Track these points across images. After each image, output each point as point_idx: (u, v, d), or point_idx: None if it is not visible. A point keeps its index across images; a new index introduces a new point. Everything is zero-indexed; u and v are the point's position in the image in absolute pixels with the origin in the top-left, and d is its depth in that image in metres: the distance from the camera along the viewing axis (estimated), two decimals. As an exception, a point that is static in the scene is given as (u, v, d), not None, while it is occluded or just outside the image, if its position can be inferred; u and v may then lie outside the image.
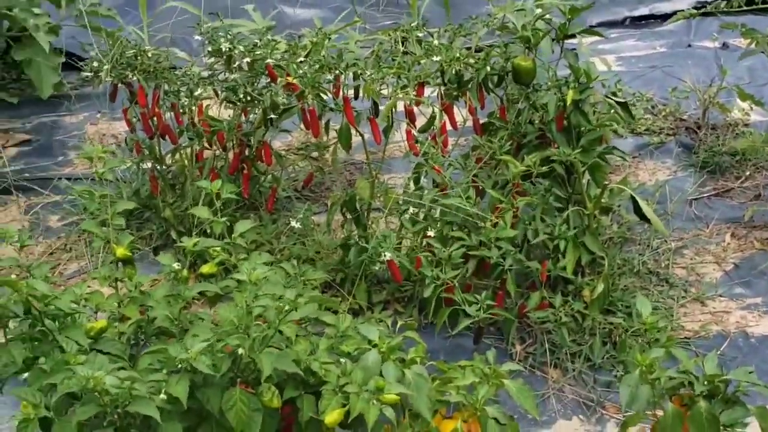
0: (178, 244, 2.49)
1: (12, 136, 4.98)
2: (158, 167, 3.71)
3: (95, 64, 3.38)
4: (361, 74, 3.14)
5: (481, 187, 3.11)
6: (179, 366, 2.03)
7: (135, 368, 2.16)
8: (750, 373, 2.27)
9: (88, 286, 2.43)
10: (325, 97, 3.33)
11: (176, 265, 2.38)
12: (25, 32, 4.80)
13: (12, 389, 2.16)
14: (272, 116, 3.28)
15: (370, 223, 3.42)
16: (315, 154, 4.38)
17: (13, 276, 2.32)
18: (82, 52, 5.13)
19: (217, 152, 3.69)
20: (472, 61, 3.22)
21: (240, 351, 2.05)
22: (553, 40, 3.17)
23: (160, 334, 2.33)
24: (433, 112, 3.29)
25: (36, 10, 4.75)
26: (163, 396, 1.98)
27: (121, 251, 2.48)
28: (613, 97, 3.18)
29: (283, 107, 3.24)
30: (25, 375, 2.14)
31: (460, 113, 3.48)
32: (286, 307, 2.06)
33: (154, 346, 2.20)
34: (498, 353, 3.09)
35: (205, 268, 2.44)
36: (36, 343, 2.17)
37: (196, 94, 3.30)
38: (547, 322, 3.04)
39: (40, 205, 4.28)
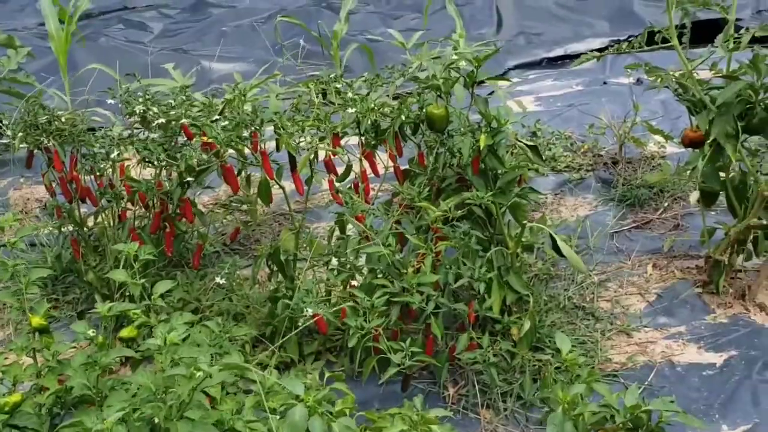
0: (96, 309, 2.45)
1: (-70, 204, 4.87)
2: (79, 231, 3.66)
3: (8, 132, 3.34)
4: (279, 128, 3.16)
5: (403, 234, 3.14)
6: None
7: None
8: (671, 402, 2.31)
9: (6, 358, 2.38)
10: (246, 151, 3.35)
11: (91, 332, 2.34)
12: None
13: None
14: (189, 179, 3.27)
15: (297, 274, 3.42)
16: (244, 207, 4.38)
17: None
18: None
19: (141, 212, 3.66)
20: (387, 110, 3.27)
21: (156, 420, 2.01)
22: (465, 86, 3.24)
23: (81, 403, 2.28)
24: (349, 161, 3.32)
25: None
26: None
27: (36, 320, 2.43)
28: (524, 141, 3.25)
29: (199, 167, 3.23)
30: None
31: (381, 160, 3.52)
32: (198, 374, 2.03)
33: (73, 417, 2.14)
34: (431, 397, 3.13)
35: (124, 332, 2.41)
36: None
37: (112, 156, 3.27)
38: (477, 363, 3.06)
39: (-39, 274, 4.18)
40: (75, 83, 5.61)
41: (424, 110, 3.23)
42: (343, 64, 6.00)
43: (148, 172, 3.71)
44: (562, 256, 3.24)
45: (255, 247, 4.24)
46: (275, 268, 3.44)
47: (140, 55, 6.22)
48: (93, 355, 2.32)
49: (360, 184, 3.29)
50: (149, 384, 2.06)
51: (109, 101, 3.32)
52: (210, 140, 2.95)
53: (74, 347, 2.64)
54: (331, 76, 3.53)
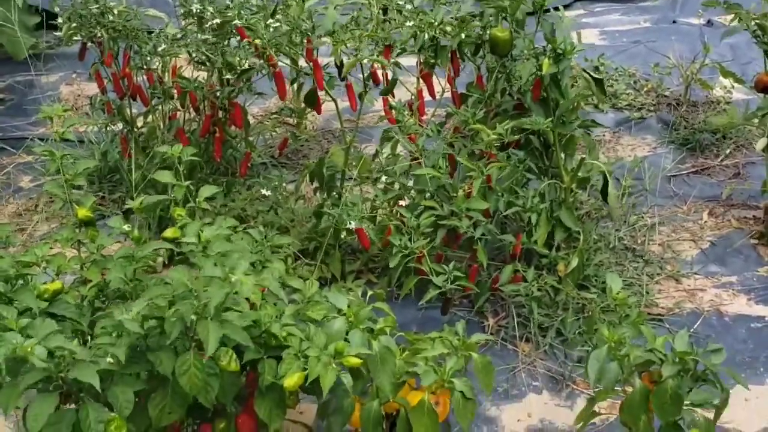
0: (128, 204, 2.42)
1: (-15, 94, 4.89)
2: (129, 129, 3.63)
3: (60, 20, 3.29)
4: (335, 38, 3.07)
5: (455, 158, 3.06)
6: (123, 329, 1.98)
7: (93, 334, 2.11)
8: (720, 350, 2.24)
9: (51, 248, 2.37)
10: (301, 62, 3.27)
11: (126, 227, 2.31)
12: (-4, -10, 4.70)
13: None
14: (228, 77, 3.20)
15: (344, 191, 3.36)
16: (291, 120, 4.32)
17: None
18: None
19: (190, 116, 3.62)
20: (448, 28, 3.15)
21: (191, 318, 1.98)
22: (532, 12, 3.10)
23: (120, 297, 2.27)
24: (395, 73, 3.22)
25: (10, -35, 4.64)
26: (109, 359, 1.93)
27: (82, 212, 2.41)
28: (591, 73, 3.12)
29: (242, 69, 3.16)
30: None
31: (440, 84, 3.42)
32: (234, 278, 1.98)
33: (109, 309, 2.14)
34: (470, 325, 3.08)
35: (168, 233, 2.38)
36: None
37: (159, 50, 3.20)
38: (520, 296, 3.01)
39: (12, 165, 4.21)
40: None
41: (487, 32, 3.11)
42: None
43: (202, 76, 3.66)
44: (604, 198, 3.14)
45: (302, 162, 4.19)
46: (321, 183, 3.39)
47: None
48: (130, 249, 2.30)
49: (414, 103, 3.20)
50: (185, 281, 2.03)
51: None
52: (257, 42, 2.87)
53: (119, 242, 2.62)
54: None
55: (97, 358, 1.90)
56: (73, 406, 1.98)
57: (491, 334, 3.06)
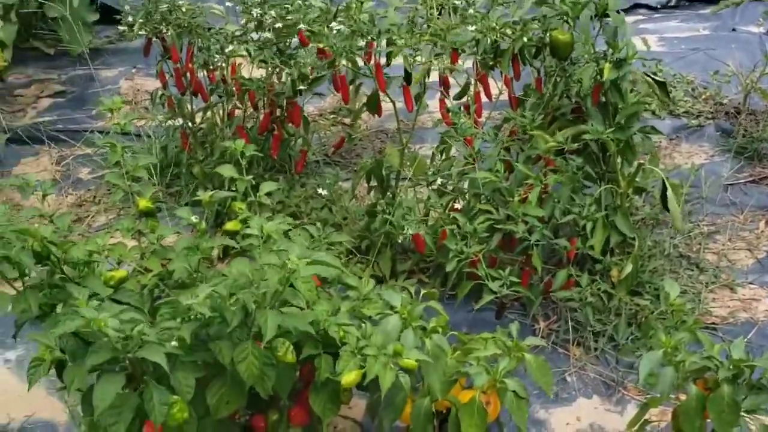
0: (197, 197, 2.46)
1: (47, 86, 5.01)
2: (189, 124, 3.69)
3: (129, 18, 3.36)
4: (394, 40, 3.09)
5: (511, 162, 3.06)
6: (190, 315, 2.02)
7: (154, 322, 2.16)
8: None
9: (111, 236, 2.42)
10: (359, 63, 3.30)
11: (194, 218, 2.36)
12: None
13: (29, 334, 2.17)
14: (301, 87, 3.24)
15: (397, 191, 3.38)
16: (347, 120, 4.36)
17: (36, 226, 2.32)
18: (119, 6, 5.13)
19: (248, 112, 3.67)
20: (509, 31, 3.16)
21: (251, 306, 2.02)
22: (593, 16, 3.09)
23: (180, 287, 2.32)
24: (468, 79, 3.23)
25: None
26: (174, 342, 1.97)
27: (143, 203, 2.47)
28: (652, 76, 3.10)
29: (312, 77, 3.20)
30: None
31: (496, 85, 3.42)
32: (290, 265, 2.02)
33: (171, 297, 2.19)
34: (521, 329, 3.07)
35: (229, 225, 2.42)
36: (54, 290, 2.16)
37: (227, 50, 3.26)
38: (573, 301, 3.00)
39: (72, 156, 4.30)
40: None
41: (547, 34, 3.10)
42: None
43: (258, 74, 3.71)
44: (665, 206, 3.11)
45: (355, 161, 4.22)
46: (375, 183, 3.41)
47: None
48: (195, 241, 2.35)
49: (471, 106, 3.20)
50: (246, 272, 2.07)
51: (227, 4, 3.29)
52: (325, 48, 2.90)
53: (178, 232, 2.67)
54: (449, -10, 3.42)
55: (162, 341, 1.94)
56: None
57: (542, 337, 3.05)
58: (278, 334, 2.04)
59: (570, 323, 3.06)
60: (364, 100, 4.20)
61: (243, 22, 3.50)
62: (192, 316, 2.01)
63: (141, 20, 3.34)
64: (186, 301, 2.00)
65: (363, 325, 2.24)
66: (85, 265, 2.19)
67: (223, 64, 3.46)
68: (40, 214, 2.36)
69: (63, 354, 2.03)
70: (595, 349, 2.99)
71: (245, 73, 3.66)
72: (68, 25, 4.83)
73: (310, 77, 3.23)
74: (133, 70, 5.18)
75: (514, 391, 2.24)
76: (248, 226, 2.22)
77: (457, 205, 2.95)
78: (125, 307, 1.95)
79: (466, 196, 2.95)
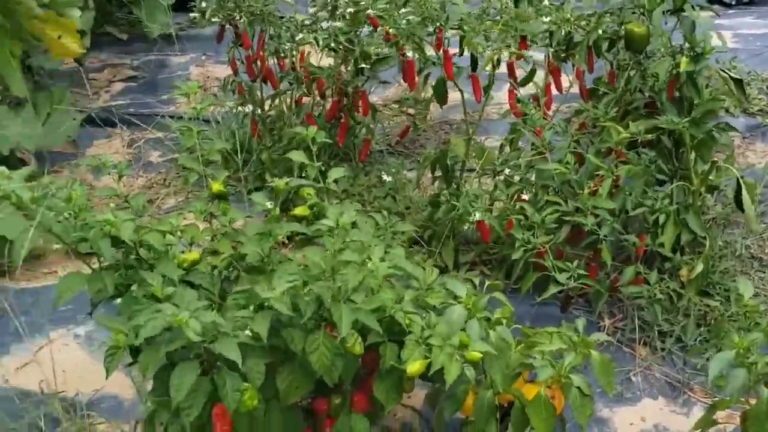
0: (271, 184, 2.49)
1: (120, 71, 5.11)
2: (258, 111, 3.73)
3: (203, 4, 3.41)
4: (465, 28, 3.07)
5: (581, 154, 3.02)
6: (264, 305, 2.04)
7: (223, 304, 2.19)
8: None
9: (184, 218, 2.46)
10: (428, 52, 3.29)
11: (269, 204, 2.39)
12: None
13: (98, 318, 2.22)
14: (363, 65, 3.24)
15: (462, 182, 3.37)
16: (411, 110, 4.35)
17: (112, 206, 2.37)
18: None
19: (316, 100, 3.70)
20: (583, 23, 3.11)
21: (327, 300, 2.04)
22: (668, 11, 3.03)
23: (250, 271, 2.35)
24: (534, 66, 3.19)
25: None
26: (247, 332, 2.00)
27: (216, 187, 2.50)
28: (729, 73, 3.02)
29: (377, 57, 3.20)
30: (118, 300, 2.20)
31: (567, 79, 3.38)
32: (370, 264, 2.03)
33: (243, 283, 2.21)
34: (586, 325, 3.04)
35: (298, 210, 2.44)
36: (129, 271, 2.21)
37: (297, 38, 3.28)
38: (640, 298, 2.95)
39: (143, 140, 4.38)
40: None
41: (622, 27, 3.06)
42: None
43: (326, 63, 3.72)
44: (738, 206, 3.04)
45: (418, 151, 4.21)
46: (440, 173, 3.40)
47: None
48: (267, 226, 2.37)
49: (541, 98, 3.17)
50: (320, 263, 2.09)
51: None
52: (391, 30, 2.90)
53: (249, 216, 2.70)
54: (523, -19, 3.38)
55: (236, 331, 1.97)
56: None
57: (607, 334, 3.01)
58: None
59: (636, 322, 3.01)
60: (431, 91, 4.21)
61: (313, 10, 3.52)
62: (265, 305, 2.03)
63: (214, 6, 3.39)
64: (263, 294, 2.03)
65: (427, 314, 2.24)
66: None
67: (294, 52, 3.48)
68: (115, 194, 2.41)
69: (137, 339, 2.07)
70: (662, 350, 2.94)
71: (313, 62, 3.68)
72: (145, 9, 4.91)
73: (373, 58, 3.23)
74: (203, 57, 5.26)
75: (578, 388, 2.22)
76: (317, 212, 2.24)
77: (524, 197, 2.92)
78: (196, 297, 1.97)
79: (533, 188, 2.92)
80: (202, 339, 1.90)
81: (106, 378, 2.10)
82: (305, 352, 2.07)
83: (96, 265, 2.22)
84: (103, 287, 2.13)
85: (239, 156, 3.90)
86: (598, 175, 2.83)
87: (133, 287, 2.17)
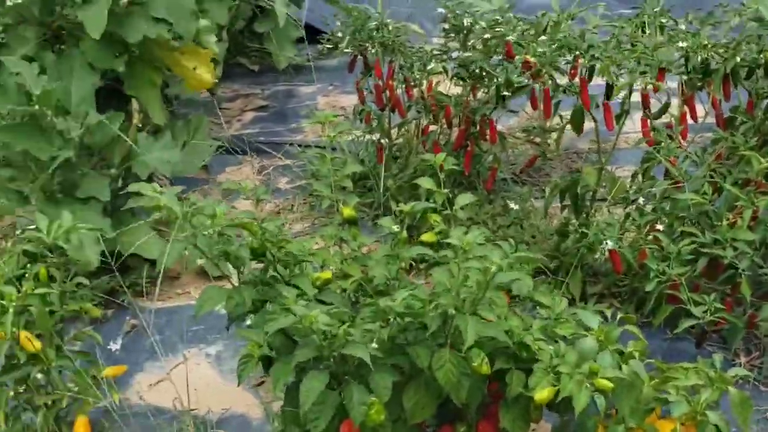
0: (397, 209, 2.52)
1: (251, 101, 5.30)
2: (385, 139, 3.80)
3: (339, 34, 3.51)
4: (600, 57, 3.04)
5: (718, 184, 2.93)
6: (390, 318, 2.07)
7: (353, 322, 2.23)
8: None
9: (316, 243, 2.53)
10: (558, 80, 3.27)
11: (395, 228, 2.42)
12: (270, 3, 5.07)
13: (238, 330, 2.30)
14: (505, 93, 3.25)
15: (592, 211, 3.31)
16: (538, 139, 4.32)
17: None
18: (321, 26, 5.37)
19: (442, 128, 3.73)
20: (721, 50, 3.03)
21: (450, 311, 2.04)
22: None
23: (379, 294, 2.38)
24: (668, 99, 3.13)
25: (279, -19, 4.99)
26: (374, 345, 2.03)
27: (347, 212, 2.55)
28: None
29: (517, 85, 3.20)
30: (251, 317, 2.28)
31: (702, 108, 3.29)
32: (493, 268, 2.02)
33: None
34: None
35: (425, 236, 2.46)
36: (266, 287, 2.28)
37: (429, 68, 3.34)
38: (779, 336, 2.82)
39: (272, 167, 4.52)
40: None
41: (762, 54, 2.96)
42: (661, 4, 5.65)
43: (454, 92, 3.76)
44: None
45: (544, 180, 4.17)
46: (569, 202, 3.36)
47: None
48: (395, 249, 2.41)
49: (676, 127, 3.10)
50: (444, 280, 2.10)
51: (439, 10, 3.37)
52: (532, 59, 2.90)
53: (378, 241, 2.74)
54: (655, 9, 3.33)
55: (364, 342, 2.00)
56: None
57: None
58: (475, 344, 2.05)
59: (775, 360, 2.88)
60: (557, 120, 4.17)
61: (443, 39, 3.57)
62: (391, 319, 2.06)
63: (348, 37, 3.48)
64: (382, 303, 2.06)
65: (556, 343, 2.21)
66: (296, 265, 2.29)
67: (424, 80, 3.53)
68: (252, 217, 2.49)
69: (270, 351, 2.14)
70: (803, 390, 2.79)
71: (441, 91, 3.72)
72: (274, 42, 5.09)
73: (514, 85, 3.24)
74: (330, 87, 5.39)
75: (715, 425, 2.13)
76: (446, 237, 2.25)
77: (658, 227, 2.85)
78: (332, 306, 2.02)
79: (669, 219, 2.84)
80: (330, 348, 1.93)
81: (238, 385, 2.17)
82: (431, 369, 2.08)
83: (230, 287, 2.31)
84: (241, 302, 2.21)
85: (366, 184, 4.01)
86: (736, 206, 2.73)
87: (268, 305, 2.24)
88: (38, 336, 2.46)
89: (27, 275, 2.45)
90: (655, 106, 3.29)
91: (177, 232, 2.12)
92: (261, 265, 2.39)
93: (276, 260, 2.25)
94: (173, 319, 3.40)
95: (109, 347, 3.23)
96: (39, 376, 2.50)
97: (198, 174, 4.42)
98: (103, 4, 3.32)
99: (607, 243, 2.74)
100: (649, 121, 3.09)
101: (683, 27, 3.06)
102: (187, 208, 2.13)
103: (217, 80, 4.61)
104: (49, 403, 2.53)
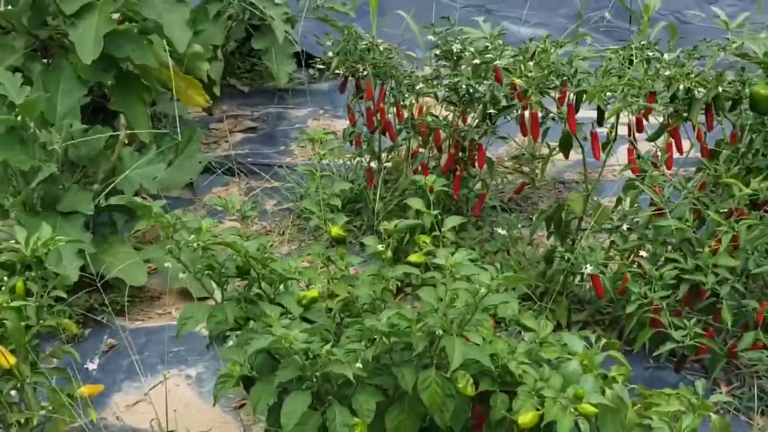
0: (382, 228, 2.54)
1: (240, 122, 5.32)
2: (375, 162, 3.82)
3: (329, 54, 3.54)
4: (587, 81, 3.09)
5: (701, 212, 2.96)
6: (375, 337, 2.07)
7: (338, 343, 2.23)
8: None
9: (303, 261, 2.53)
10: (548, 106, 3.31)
11: (380, 247, 2.43)
12: (264, 22, 5.10)
13: (221, 349, 2.29)
14: (491, 111, 3.28)
15: (577, 238, 3.34)
16: (526, 168, 4.36)
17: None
18: (312, 49, 5.41)
19: (432, 152, 3.76)
20: (704, 81, 3.08)
21: (438, 332, 2.05)
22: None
23: (364, 313, 2.38)
24: (662, 124, 3.17)
25: (276, 0, 5.01)
26: (358, 365, 2.03)
27: (335, 230, 2.57)
28: None
29: (504, 105, 3.24)
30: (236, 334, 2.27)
31: (689, 140, 3.33)
32: (482, 290, 2.04)
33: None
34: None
35: (413, 257, 2.47)
36: (249, 304, 2.28)
37: (417, 88, 3.37)
38: (760, 364, 2.84)
39: (259, 189, 4.52)
40: (378, 26, 5.83)
41: (745, 87, 3.01)
42: (649, 38, 5.75)
43: (447, 116, 3.79)
44: None
45: (531, 208, 4.20)
46: (554, 229, 3.38)
47: (446, 9, 6.34)
48: (380, 269, 2.41)
49: (662, 156, 3.13)
50: (431, 300, 2.11)
51: (429, 37, 3.41)
52: (519, 81, 2.94)
53: (364, 260, 2.75)
54: (642, 43, 3.38)
55: (348, 362, 2.00)
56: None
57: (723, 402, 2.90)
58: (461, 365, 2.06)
59: (755, 390, 2.89)
60: (543, 148, 4.21)
61: (434, 64, 3.60)
62: (376, 339, 2.06)
63: (339, 58, 3.51)
64: (368, 322, 2.06)
65: (541, 367, 2.22)
66: (281, 283, 2.29)
67: (414, 102, 3.56)
68: (237, 234, 2.49)
69: (252, 371, 2.13)
70: (784, 420, 2.81)
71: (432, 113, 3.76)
72: (273, 58, 5.10)
73: (501, 104, 3.27)
74: (321, 111, 5.42)
75: (696, 451, 2.15)
76: (434, 257, 2.26)
77: (642, 252, 2.88)
78: (315, 325, 2.02)
79: (652, 245, 2.87)
80: (313, 368, 1.93)
81: (214, 404, 2.15)
82: (416, 389, 2.08)
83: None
84: (224, 319, 2.20)
85: (355, 207, 4.02)
86: (717, 233, 2.76)
87: (251, 322, 2.24)
88: (12, 351, 2.38)
89: (3, 288, 2.38)
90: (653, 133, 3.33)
91: (161, 245, 2.12)
92: (245, 283, 2.39)
93: (261, 277, 2.25)
94: (153, 339, 3.36)
95: (86, 366, 3.18)
96: (12, 392, 2.42)
97: (183, 193, 4.42)
98: (93, 23, 3.29)
99: (587, 267, 2.76)
100: (634, 149, 3.13)
101: (667, 57, 3.10)
102: (172, 221, 2.13)
103: (211, 101, 4.63)
104: (23, 421, 2.45)
